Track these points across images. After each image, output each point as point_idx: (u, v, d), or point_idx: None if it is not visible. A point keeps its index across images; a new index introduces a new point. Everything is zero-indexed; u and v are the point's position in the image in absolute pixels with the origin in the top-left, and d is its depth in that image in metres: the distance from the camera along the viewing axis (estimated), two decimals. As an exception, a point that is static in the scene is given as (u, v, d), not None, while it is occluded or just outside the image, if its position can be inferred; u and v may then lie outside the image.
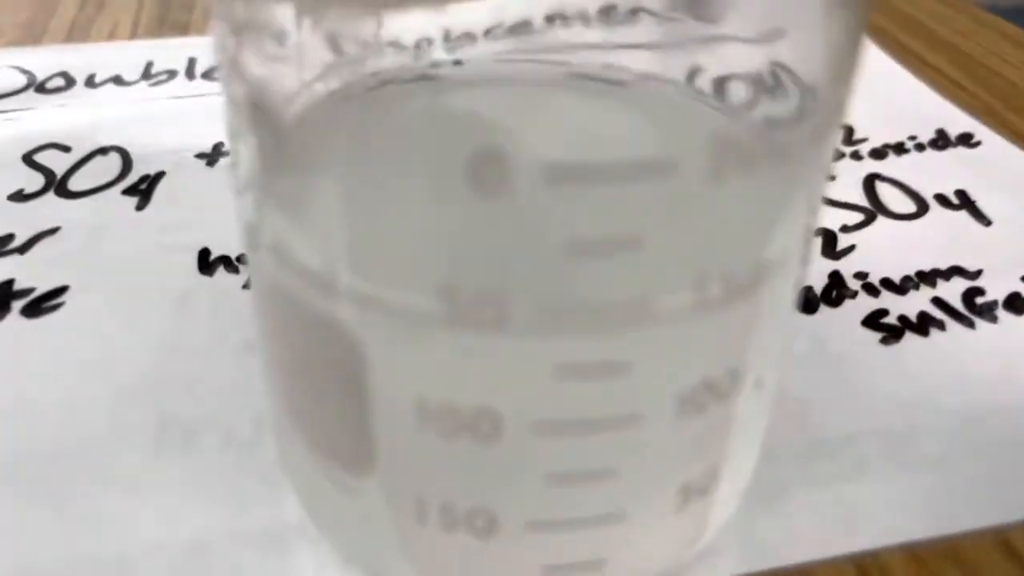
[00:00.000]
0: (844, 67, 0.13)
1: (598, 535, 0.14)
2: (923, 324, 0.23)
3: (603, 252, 0.11)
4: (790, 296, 0.14)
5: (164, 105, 0.33)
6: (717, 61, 0.14)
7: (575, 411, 0.13)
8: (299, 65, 0.15)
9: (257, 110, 0.13)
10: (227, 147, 0.14)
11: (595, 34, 0.16)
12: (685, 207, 0.12)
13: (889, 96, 0.34)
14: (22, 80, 0.34)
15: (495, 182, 0.11)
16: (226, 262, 0.25)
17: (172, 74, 0.35)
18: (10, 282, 0.24)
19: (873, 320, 0.23)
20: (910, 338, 0.23)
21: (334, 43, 0.15)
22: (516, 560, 0.14)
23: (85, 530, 0.17)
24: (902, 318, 0.23)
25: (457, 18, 0.16)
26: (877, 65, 0.37)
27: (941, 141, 0.32)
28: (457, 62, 0.16)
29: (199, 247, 0.25)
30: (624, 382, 0.13)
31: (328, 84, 0.16)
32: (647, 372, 0.13)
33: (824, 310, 0.24)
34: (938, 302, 0.24)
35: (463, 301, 0.12)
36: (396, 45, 0.17)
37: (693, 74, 0.15)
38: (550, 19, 0.17)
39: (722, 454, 0.15)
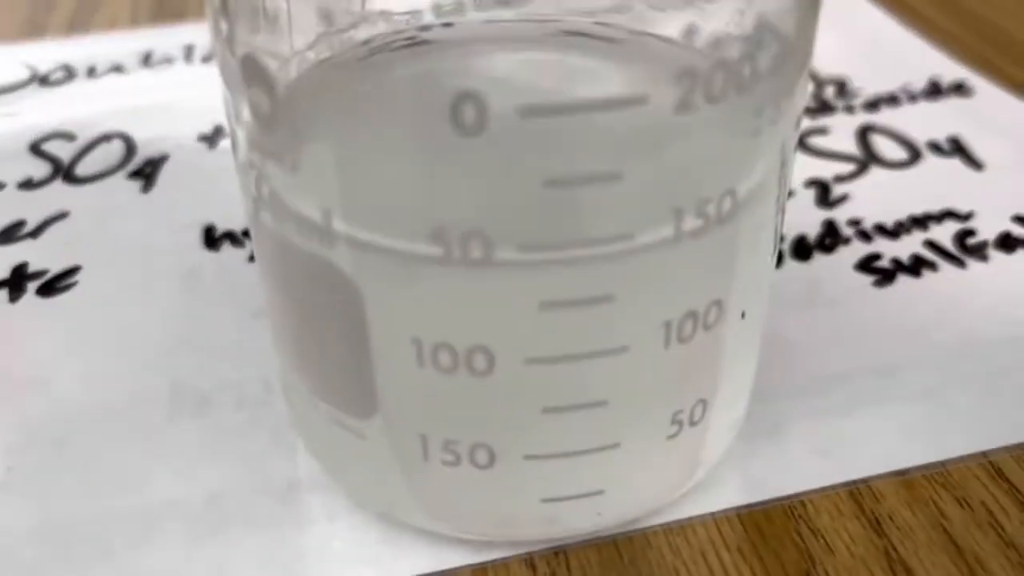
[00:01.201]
0: (809, 16, 0.13)
1: (594, 465, 0.15)
2: (916, 266, 0.24)
3: (580, 186, 0.12)
4: (769, 231, 0.15)
5: (164, 92, 0.34)
6: (704, 20, 0.15)
7: (564, 343, 0.13)
8: (290, 34, 0.15)
9: (251, 73, 0.13)
10: (226, 127, 0.15)
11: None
12: (656, 139, 0.12)
13: (881, 49, 0.35)
14: (25, 74, 0.35)
15: (474, 121, 0.11)
16: (231, 237, 0.25)
17: (170, 61, 0.36)
18: (24, 265, 0.24)
19: (867, 264, 0.24)
20: (903, 280, 0.23)
21: (324, 13, 0.15)
22: (517, 492, 0.15)
23: (108, 489, 0.18)
24: (895, 261, 0.24)
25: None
26: (869, 19, 0.37)
27: (934, 91, 0.32)
28: (447, 24, 0.17)
29: (204, 224, 0.26)
30: (609, 314, 0.13)
31: (319, 53, 0.16)
32: (631, 304, 0.13)
33: (818, 257, 0.24)
34: (930, 244, 0.24)
35: (452, 241, 0.12)
36: (385, 15, 0.17)
37: (688, 32, 0.15)
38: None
39: (712, 384, 0.15)
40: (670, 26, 0.15)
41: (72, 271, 0.24)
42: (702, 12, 0.14)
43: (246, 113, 0.14)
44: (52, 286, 0.24)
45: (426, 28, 0.17)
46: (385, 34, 0.17)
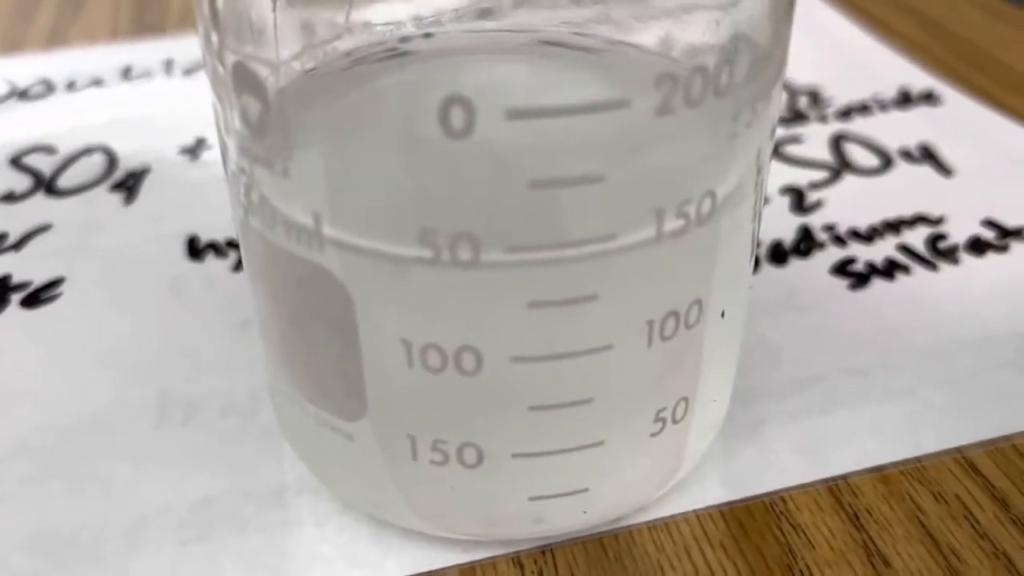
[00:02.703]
0: (783, 25, 0.14)
1: (580, 463, 0.15)
2: (889, 269, 0.24)
3: (565, 187, 0.12)
4: (746, 234, 0.15)
5: (145, 105, 0.34)
6: (681, 29, 0.15)
7: (550, 342, 0.14)
8: (277, 45, 0.15)
9: (242, 80, 0.14)
10: (215, 137, 0.15)
11: (563, 12, 0.17)
12: (637, 142, 0.12)
13: (852, 59, 0.35)
14: (3, 88, 0.35)
15: (462, 124, 0.11)
16: (215, 248, 0.25)
17: (150, 75, 0.36)
18: (7, 277, 0.25)
19: (842, 268, 0.24)
20: (877, 283, 0.24)
21: (309, 25, 0.16)
22: (504, 491, 0.15)
23: (97, 496, 0.18)
24: (869, 264, 0.24)
25: (426, 4, 0.17)
26: (840, 30, 0.38)
27: (904, 99, 0.33)
28: (427, 34, 0.17)
29: (187, 236, 0.26)
30: (593, 313, 0.13)
31: (304, 63, 0.16)
32: (614, 303, 0.13)
33: (794, 261, 0.25)
34: (903, 248, 0.25)
35: (441, 243, 0.13)
36: (368, 27, 0.18)
37: (663, 42, 0.16)
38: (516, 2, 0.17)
39: (694, 383, 0.15)
40: (647, 36, 0.16)
41: (56, 283, 0.24)
42: (679, 22, 0.14)
43: (236, 122, 0.14)
44: (36, 297, 0.24)
45: (406, 39, 0.17)
46: (367, 45, 0.17)
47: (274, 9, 0.15)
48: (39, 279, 0.24)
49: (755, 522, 0.17)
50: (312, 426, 0.16)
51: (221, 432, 0.20)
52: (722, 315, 0.15)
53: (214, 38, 0.14)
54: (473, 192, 0.12)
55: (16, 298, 0.24)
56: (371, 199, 0.13)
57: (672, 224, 0.13)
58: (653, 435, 0.15)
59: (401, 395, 0.14)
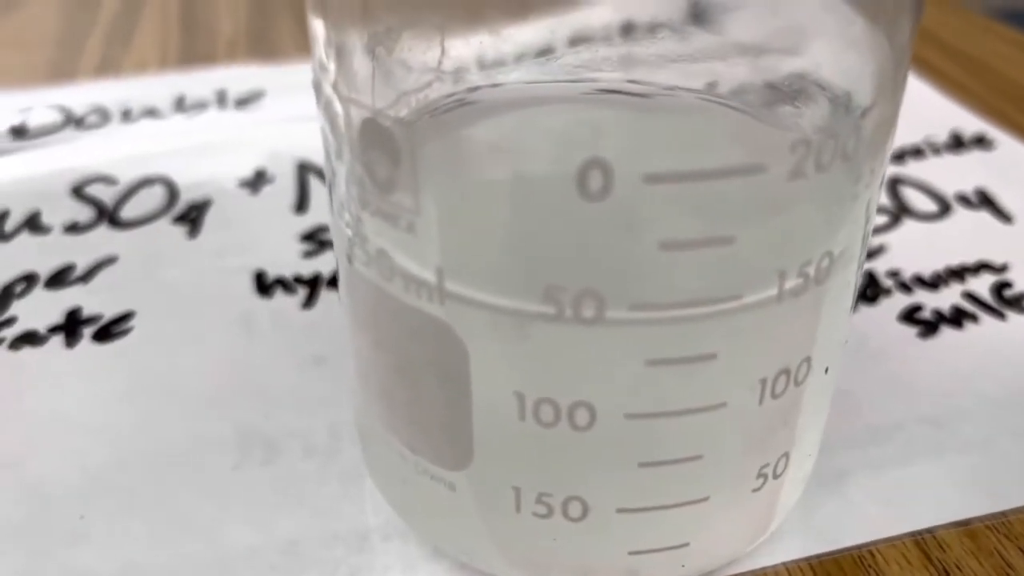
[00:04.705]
0: (892, 81, 0.14)
1: (683, 518, 0.15)
2: (957, 317, 0.24)
3: (695, 249, 0.12)
4: (851, 288, 0.15)
5: (200, 136, 0.34)
6: (733, 71, 0.15)
7: (665, 400, 0.14)
8: (372, 94, 0.15)
9: (371, 136, 0.14)
10: (325, 169, 0.15)
11: (618, 52, 0.17)
12: (768, 205, 0.13)
13: (904, 103, 0.35)
14: (59, 117, 0.35)
15: (600, 188, 0.12)
16: (283, 284, 0.26)
17: (203, 105, 0.36)
18: (78, 310, 0.25)
19: (910, 315, 0.24)
20: (946, 331, 0.24)
21: (402, 73, 0.16)
22: (605, 545, 0.15)
23: (183, 536, 0.18)
24: (937, 312, 0.24)
25: (488, 47, 0.17)
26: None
27: (956, 143, 0.33)
28: (495, 85, 0.17)
29: (254, 270, 0.26)
30: (711, 371, 0.13)
31: (397, 112, 0.17)
32: (732, 362, 0.14)
33: (862, 308, 0.25)
34: (969, 296, 0.25)
35: (566, 300, 0.13)
36: (448, 74, 0.18)
37: (712, 85, 0.16)
38: (574, 42, 0.18)
39: (794, 438, 0.16)
40: (695, 79, 0.16)
41: (126, 316, 0.24)
42: (768, 70, 0.14)
43: (347, 162, 0.14)
44: (108, 331, 0.24)
45: (475, 89, 0.17)
46: (444, 95, 0.17)
47: (373, 58, 0.15)
48: (109, 312, 0.25)
49: (845, 576, 0.17)
50: (410, 473, 0.16)
51: (303, 473, 0.20)
52: (825, 371, 0.15)
53: (331, 67, 0.14)
54: (603, 251, 0.12)
55: (88, 332, 0.24)
56: (498, 257, 0.13)
57: (792, 283, 0.13)
58: (755, 490, 0.15)
59: (509, 447, 0.14)
